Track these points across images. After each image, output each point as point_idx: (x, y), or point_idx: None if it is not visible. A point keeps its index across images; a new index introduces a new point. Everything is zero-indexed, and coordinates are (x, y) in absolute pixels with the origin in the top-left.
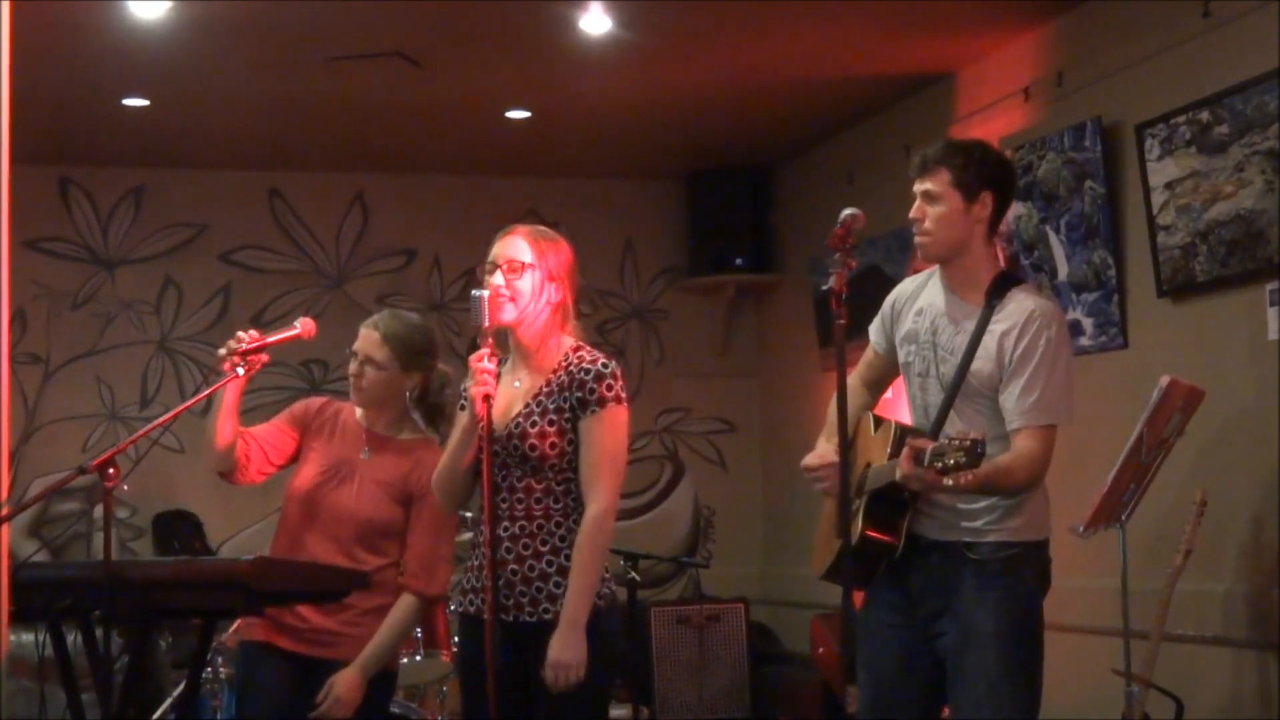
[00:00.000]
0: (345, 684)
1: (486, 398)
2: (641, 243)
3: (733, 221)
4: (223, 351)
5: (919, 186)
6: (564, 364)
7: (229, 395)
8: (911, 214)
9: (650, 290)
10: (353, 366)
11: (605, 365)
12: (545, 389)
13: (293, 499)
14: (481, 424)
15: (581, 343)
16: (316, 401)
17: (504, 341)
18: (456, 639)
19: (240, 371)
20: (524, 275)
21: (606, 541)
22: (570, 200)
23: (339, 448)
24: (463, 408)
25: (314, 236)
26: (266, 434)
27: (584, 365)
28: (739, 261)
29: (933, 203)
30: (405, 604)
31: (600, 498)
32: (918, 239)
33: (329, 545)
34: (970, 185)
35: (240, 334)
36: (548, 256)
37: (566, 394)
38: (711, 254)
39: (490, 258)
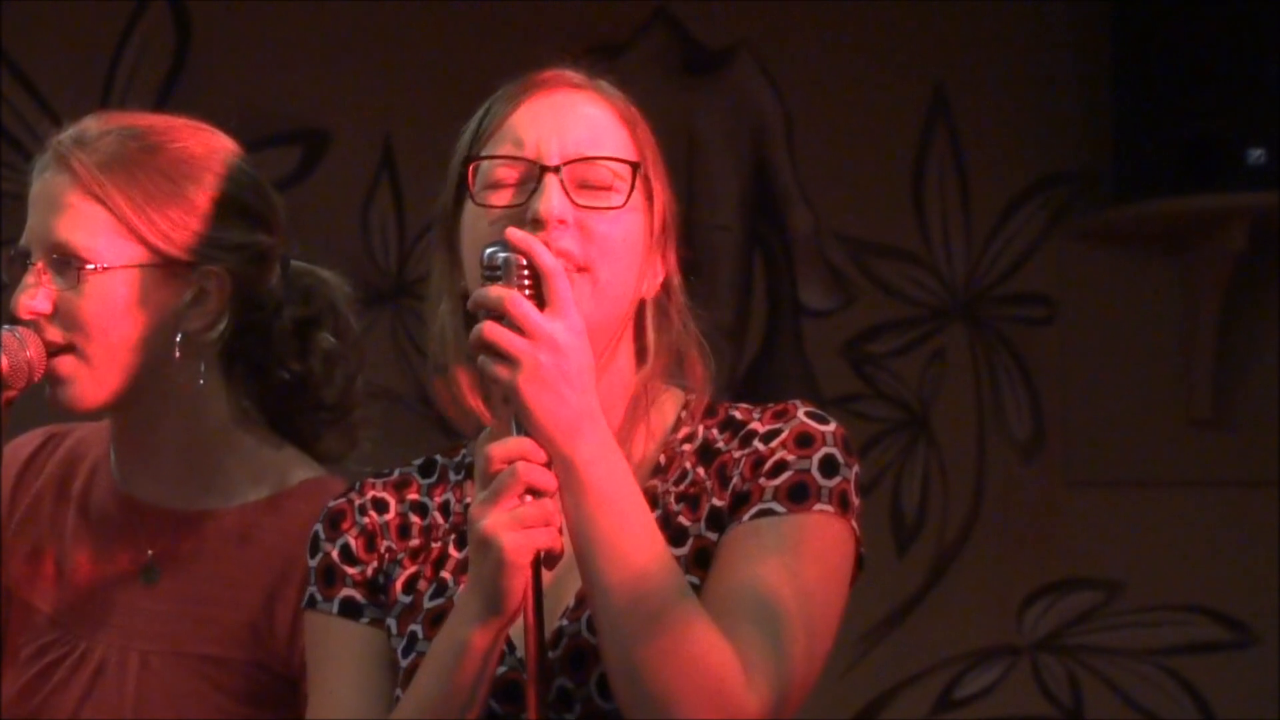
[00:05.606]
0: None
1: (540, 557)
2: (979, 120)
3: (1230, 60)
4: None
5: None
6: (687, 441)
7: None
8: None
9: (1005, 242)
10: (19, 293)
11: (823, 422)
12: (653, 503)
13: None
14: (527, 620)
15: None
16: (19, 452)
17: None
18: None
19: None
20: (622, 206)
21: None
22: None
23: (84, 569)
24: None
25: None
26: None
27: (749, 428)
28: (1256, 156)
29: None
30: None
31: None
32: None
33: None
34: None
35: None
36: (648, 148)
37: (709, 503)
38: (1175, 141)
39: (506, 147)
